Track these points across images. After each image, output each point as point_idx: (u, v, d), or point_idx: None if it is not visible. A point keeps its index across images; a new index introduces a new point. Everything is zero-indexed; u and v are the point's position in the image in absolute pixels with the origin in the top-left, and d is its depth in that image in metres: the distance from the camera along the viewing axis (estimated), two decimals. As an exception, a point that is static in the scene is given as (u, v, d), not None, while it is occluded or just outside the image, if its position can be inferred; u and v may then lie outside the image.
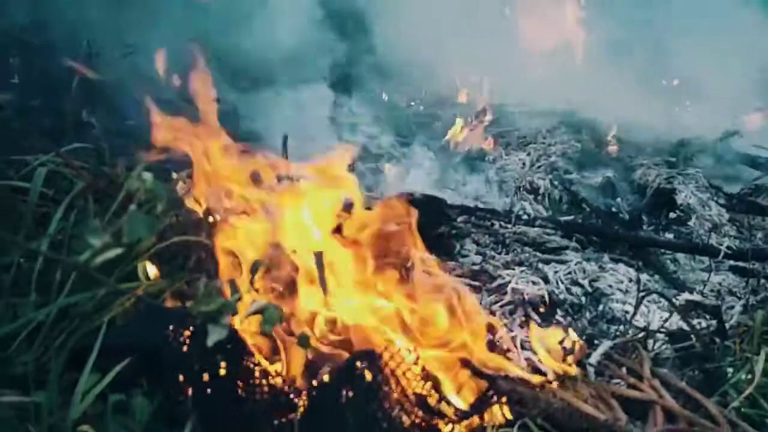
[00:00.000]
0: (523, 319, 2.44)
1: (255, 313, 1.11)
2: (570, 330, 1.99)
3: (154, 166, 2.28)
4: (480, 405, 1.54)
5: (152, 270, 1.74)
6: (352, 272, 1.59)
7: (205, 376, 1.42)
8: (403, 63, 7.09)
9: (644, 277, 2.94)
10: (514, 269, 2.87)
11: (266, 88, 5.31)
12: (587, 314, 2.55)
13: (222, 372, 1.44)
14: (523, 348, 2.08)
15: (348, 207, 1.72)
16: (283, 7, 5.89)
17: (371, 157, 4.67)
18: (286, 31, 5.79)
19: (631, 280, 2.83)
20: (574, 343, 1.99)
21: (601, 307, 2.60)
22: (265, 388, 1.49)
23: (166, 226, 1.95)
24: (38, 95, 3.77)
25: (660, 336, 2.20)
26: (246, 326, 1.53)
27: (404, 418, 1.47)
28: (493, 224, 3.38)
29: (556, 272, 2.84)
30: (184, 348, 1.45)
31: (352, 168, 2.08)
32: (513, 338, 2.17)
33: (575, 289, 2.73)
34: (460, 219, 3.31)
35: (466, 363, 1.62)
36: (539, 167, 4.46)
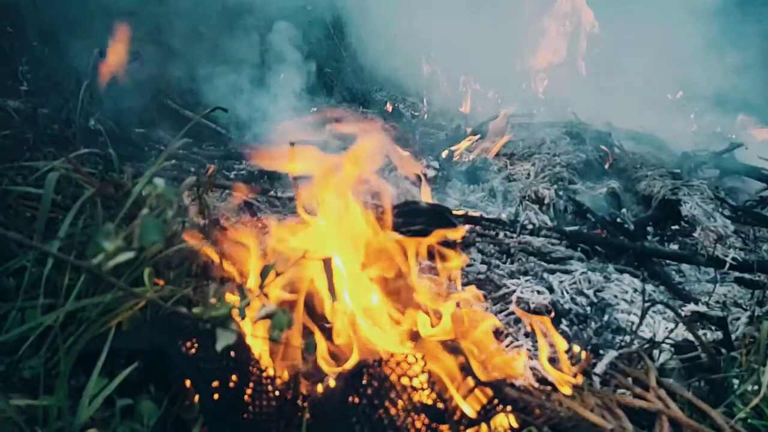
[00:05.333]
0: (528, 328, 2.44)
1: (264, 317, 1.12)
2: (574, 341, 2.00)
3: (161, 172, 2.30)
4: (486, 413, 1.54)
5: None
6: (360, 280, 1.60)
7: (213, 381, 1.43)
8: (408, 74, 7.14)
9: (649, 287, 2.94)
10: (519, 279, 2.87)
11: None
12: (592, 324, 2.54)
13: (229, 377, 1.44)
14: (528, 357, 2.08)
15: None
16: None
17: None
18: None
19: (636, 291, 2.83)
20: (579, 352, 2.00)
21: (606, 318, 2.59)
22: (272, 394, 1.49)
23: (173, 232, 1.96)
24: (47, 102, 3.81)
25: (665, 347, 2.20)
26: (254, 331, 1.53)
27: (410, 425, 1.47)
28: (498, 234, 3.39)
29: (561, 282, 2.84)
30: (192, 352, 1.45)
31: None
32: (518, 347, 2.18)
33: (580, 299, 2.73)
34: (465, 228, 3.32)
35: (471, 371, 1.62)
36: (544, 177, 4.48)
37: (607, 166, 4.86)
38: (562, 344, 1.99)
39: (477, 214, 3.58)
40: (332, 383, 1.53)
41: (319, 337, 1.63)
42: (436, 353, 1.58)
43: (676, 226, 3.77)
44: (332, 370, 1.58)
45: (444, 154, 5.00)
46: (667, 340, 2.21)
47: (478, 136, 5.35)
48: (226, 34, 5.84)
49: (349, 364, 1.58)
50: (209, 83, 5.14)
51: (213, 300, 1.15)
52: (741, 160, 5.03)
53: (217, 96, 4.98)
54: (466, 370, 1.58)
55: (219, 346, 1.10)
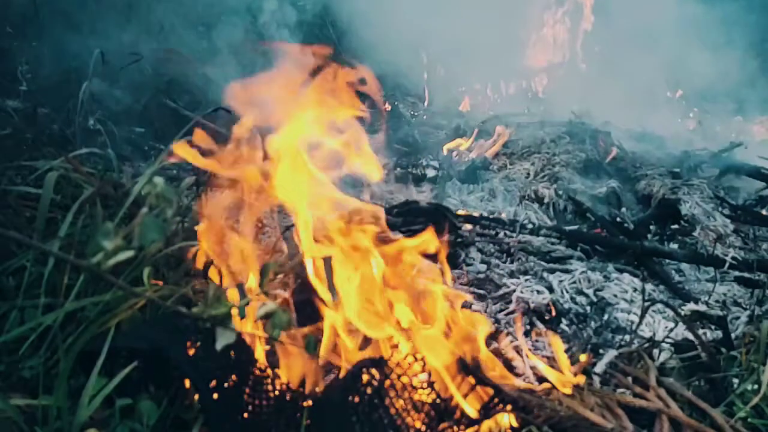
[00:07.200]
0: (528, 327, 2.44)
1: (263, 317, 1.12)
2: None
3: (161, 172, 2.30)
4: (486, 412, 1.54)
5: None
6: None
7: (212, 381, 1.42)
8: (407, 73, 7.14)
9: (649, 287, 2.94)
10: (518, 278, 2.87)
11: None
12: (592, 324, 2.54)
13: (229, 376, 1.44)
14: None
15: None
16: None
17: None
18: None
19: (635, 290, 2.83)
20: (578, 352, 2.00)
21: (606, 317, 2.59)
22: (271, 394, 1.49)
23: (172, 231, 1.96)
24: (47, 102, 3.81)
25: (665, 346, 2.20)
26: (253, 331, 1.53)
27: (410, 425, 1.47)
28: (497, 233, 3.39)
29: (560, 281, 2.84)
30: (192, 352, 1.45)
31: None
32: (517, 347, 2.17)
33: (580, 299, 2.73)
34: (465, 228, 3.32)
35: (471, 370, 1.62)
36: (544, 177, 4.48)
37: (608, 160, 4.86)
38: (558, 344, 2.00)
39: (477, 213, 3.58)
40: (332, 383, 1.53)
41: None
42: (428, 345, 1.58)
43: (676, 226, 3.77)
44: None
45: (444, 153, 5.00)
46: (667, 340, 2.21)
47: (477, 131, 5.35)
48: (222, 34, 5.84)
49: (349, 364, 1.58)
50: (205, 81, 5.13)
51: (213, 298, 1.15)
52: (741, 159, 5.02)
53: (214, 95, 4.96)
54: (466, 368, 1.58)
55: (219, 345, 1.10)
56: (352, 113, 1.67)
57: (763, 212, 4.09)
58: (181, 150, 1.56)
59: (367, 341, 1.64)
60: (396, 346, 1.63)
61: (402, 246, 1.70)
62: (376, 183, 4.27)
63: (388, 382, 1.47)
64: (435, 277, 1.76)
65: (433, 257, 1.80)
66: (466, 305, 2.37)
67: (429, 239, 1.72)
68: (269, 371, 1.51)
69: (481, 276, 2.87)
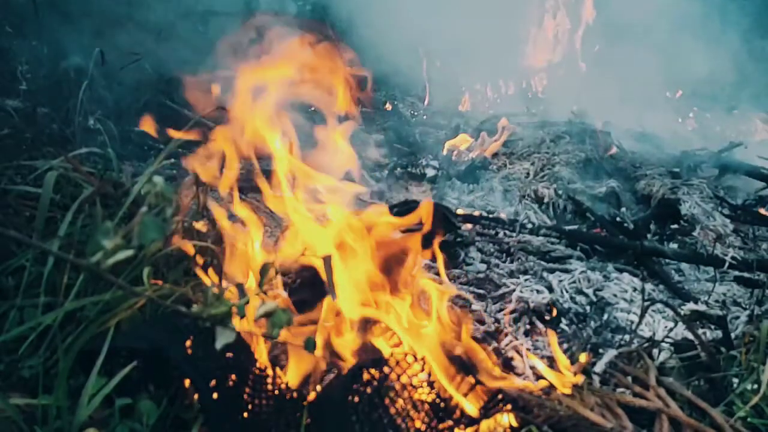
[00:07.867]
0: (528, 327, 2.44)
1: (263, 316, 1.12)
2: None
3: (160, 171, 2.29)
4: (486, 411, 1.54)
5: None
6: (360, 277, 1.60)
7: (212, 381, 1.42)
8: (407, 73, 7.14)
9: (649, 286, 2.94)
10: (518, 278, 2.87)
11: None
12: (592, 323, 2.54)
13: (229, 376, 1.44)
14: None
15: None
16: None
17: (376, 166, 4.70)
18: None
19: (635, 290, 2.83)
20: (577, 351, 2.00)
21: (605, 317, 2.59)
22: (271, 393, 1.49)
23: (172, 231, 1.96)
24: (46, 102, 3.80)
25: (665, 345, 2.20)
26: (253, 330, 1.53)
27: (410, 424, 1.46)
28: (497, 233, 3.39)
29: (560, 281, 2.84)
30: (191, 351, 1.45)
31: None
32: (517, 347, 2.18)
33: (579, 298, 2.73)
34: (464, 227, 3.32)
35: (469, 369, 1.62)
36: (543, 176, 4.47)
37: (607, 156, 4.86)
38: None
39: (476, 213, 3.58)
40: (332, 383, 1.53)
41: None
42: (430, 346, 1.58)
43: (676, 225, 3.77)
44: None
45: (443, 152, 5.00)
46: (667, 339, 2.21)
47: (478, 131, 5.35)
48: (220, 35, 5.83)
49: (349, 364, 1.58)
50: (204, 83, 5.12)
51: (213, 298, 1.15)
52: (740, 159, 5.02)
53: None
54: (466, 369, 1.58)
55: (218, 344, 1.10)
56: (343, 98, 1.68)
57: (763, 212, 4.09)
58: (144, 125, 1.60)
59: (364, 329, 1.64)
60: (397, 345, 1.63)
61: (392, 222, 1.71)
62: (374, 182, 4.27)
63: (387, 382, 1.47)
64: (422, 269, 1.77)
65: (428, 243, 1.80)
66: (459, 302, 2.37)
67: (422, 213, 1.72)
68: (269, 371, 1.51)
69: (481, 276, 2.87)
